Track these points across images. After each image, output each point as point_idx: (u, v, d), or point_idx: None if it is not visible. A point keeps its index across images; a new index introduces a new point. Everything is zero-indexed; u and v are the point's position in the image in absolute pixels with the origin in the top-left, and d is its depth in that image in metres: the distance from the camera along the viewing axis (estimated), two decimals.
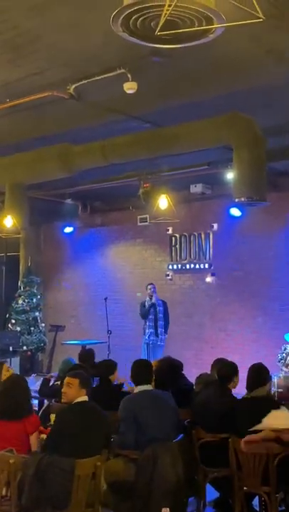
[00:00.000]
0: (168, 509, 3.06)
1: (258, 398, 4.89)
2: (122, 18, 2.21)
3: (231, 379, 5.34)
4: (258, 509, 5.04)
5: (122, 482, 4.55)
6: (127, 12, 2.17)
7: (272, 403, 4.89)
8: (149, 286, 10.74)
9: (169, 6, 1.96)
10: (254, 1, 2.01)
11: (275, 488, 4.62)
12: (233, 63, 5.33)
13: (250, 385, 4.98)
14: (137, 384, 5.07)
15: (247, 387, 5.00)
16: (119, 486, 4.55)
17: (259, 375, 5.03)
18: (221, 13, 2.16)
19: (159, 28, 2.05)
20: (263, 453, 4.54)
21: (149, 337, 10.61)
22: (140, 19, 2.25)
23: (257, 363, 5.14)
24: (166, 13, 1.98)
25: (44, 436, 5.11)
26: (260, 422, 4.64)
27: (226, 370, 5.43)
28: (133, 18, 2.24)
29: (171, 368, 6.00)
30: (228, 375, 5.36)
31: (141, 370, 5.15)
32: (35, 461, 4.19)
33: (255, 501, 5.08)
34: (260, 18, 2.01)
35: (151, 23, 2.27)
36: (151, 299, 10.62)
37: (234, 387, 5.37)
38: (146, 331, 10.64)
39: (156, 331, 10.58)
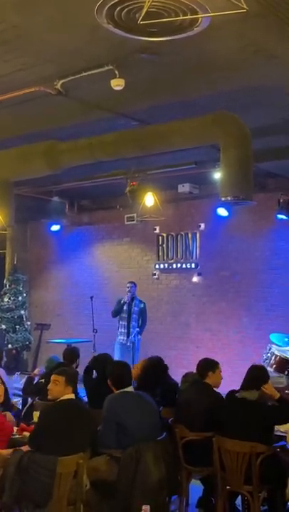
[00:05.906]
0: (148, 506, 3.03)
1: (248, 401, 4.81)
2: (106, 9, 2.20)
3: (206, 374, 5.34)
4: (240, 508, 5.05)
5: (103, 480, 4.52)
6: (111, 3, 2.15)
7: (262, 409, 4.83)
8: (128, 284, 10.45)
9: None
10: None
11: (258, 488, 4.62)
12: (221, 62, 5.31)
13: (246, 384, 4.91)
14: (118, 388, 4.89)
15: (242, 386, 4.92)
16: (101, 485, 4.52)
17: (258, 377, 4.96)
18: (205, 5, 2.14)
19: (141, 18, 2.03)
20: (247, 452, 4.55)
21: (118, 336, 10.33)
22: (124, 10, 2.24)
23: (260, 364, 5.09)
24: (148, 3, 1.97)
25: (27, 434, 5.10)
26: (245, 424, 4.63)
27: (201, 365, 5.45)
28: (117, 9, 2.23)
29: (158, 368, 5.93)
30: (201, 370, 5.39)
31: (125, 373, 5.03)
32: (17, 459, 4.17)
33: (238, 501, 5.09)
34: (243, 8, 2.00)
35: (136, 15, 2.26)
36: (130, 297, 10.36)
37: (216, 385, 5.36)
38: (119, 330, 10.36)
39: (128, 331, 10.24)
